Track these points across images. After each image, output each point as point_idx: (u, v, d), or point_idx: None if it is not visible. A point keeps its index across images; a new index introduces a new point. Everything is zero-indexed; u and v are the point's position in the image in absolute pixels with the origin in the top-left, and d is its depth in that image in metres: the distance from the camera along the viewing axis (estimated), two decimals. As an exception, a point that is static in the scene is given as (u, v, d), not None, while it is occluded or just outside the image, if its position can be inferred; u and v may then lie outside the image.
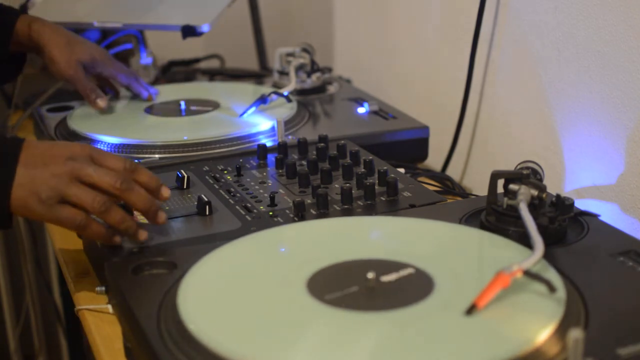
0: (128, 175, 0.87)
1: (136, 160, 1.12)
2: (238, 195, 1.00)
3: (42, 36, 1.23)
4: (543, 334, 0.65)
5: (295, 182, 1.03)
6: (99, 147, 1.16)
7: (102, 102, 1.27)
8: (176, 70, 1.67)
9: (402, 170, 1.09)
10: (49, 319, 1.99)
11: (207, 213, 0.94)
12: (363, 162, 1.06)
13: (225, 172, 1.07)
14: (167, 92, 1.40)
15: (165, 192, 0.90)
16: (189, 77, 1.64)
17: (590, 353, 0.63)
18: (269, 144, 1.14)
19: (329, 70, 1.55)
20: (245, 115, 1.25)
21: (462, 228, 0.88)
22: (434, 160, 1.36)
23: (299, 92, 1.40)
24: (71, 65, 1.24)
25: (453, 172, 1.38)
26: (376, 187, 0.99)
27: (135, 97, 1.36)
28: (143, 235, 0.87)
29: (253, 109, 1.25)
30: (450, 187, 1.20)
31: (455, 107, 1.32)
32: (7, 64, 1.28)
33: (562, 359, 0.64)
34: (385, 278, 0.74)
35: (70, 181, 0.83)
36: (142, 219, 0.91)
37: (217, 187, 1.02)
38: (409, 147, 1.24)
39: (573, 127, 1.11)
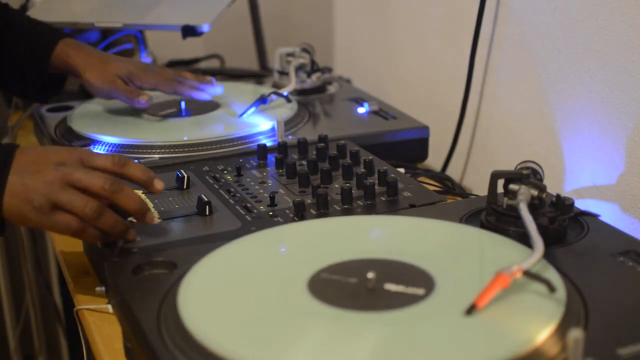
0: (118, 170, 0.87)
1: (136, 160, 1.11)
2: (238, 195, 1.00)
3: (77, 61, 1.24)
4: (543, 334, 0.65)
5: (295, 182, 1.03)
6: (99, 147, 1.16)
7: (144, 98, 1.24)
8: (176, 70, 1.67)
9: (402, 170, 1.09)
10: (49, 319, 1.98)
11: (207, 213, 0.94)
12: (363, 162, 1.06)
13: (225, 172, 1.07)
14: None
15: (159, 184, 0.90)
16: (189, 77, 1.64)
17: (590, 353, 0.63)
18: (269, 144, 1.14)
19: (329, 70, 1.55)
20: (245, 115, 1.25)
21: (463, 227, 0.88)
22: (434, 160, 1.36)
23: (299, 92, 1.40)
24: (108, 80, 1.23)
25: (453, 172, 1.38)
26: (376, 187, 0.99)
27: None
28: (132, 235, 0.88)
29: (253, 109, 1.25)
30: (450, 187, 1.20)
31: (455, 107, 1.32)
32: (47, 85, 1.29)
33: (562, 359, 0.64)
34: (392, 287, 0.74)
35: (61, 187, 0.83)
36: None
37: (217, 187, 1.02)
38: (409, 147, 1.24)
39: (573, 127, 1.11)
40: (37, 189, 0.82)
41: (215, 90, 1.31)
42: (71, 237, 0.86)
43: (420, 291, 0.72)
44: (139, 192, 0.91)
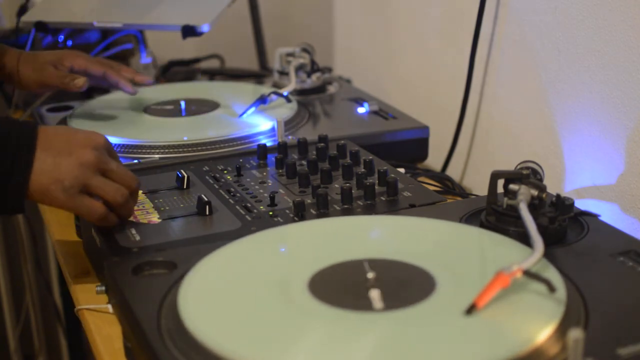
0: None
1: (136, 161, 1.12)
2: (238, 195, 1.00)
3: (11, 61, 1.22)
4: (543, 334, 0.65)
5: (295, 182, 1.03)
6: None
7: (79, 81, 1.20)
8: (176, 70, 1.67)
9: (402, 170, 1.09)
10: (49, 319, 1.99)
11: (207, 213, 0.94)
12: (363, 162, 1.06)
13: (225, 172, 1.07)
14: (167, 92, 1.40)
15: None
16: (189, 77, 1.64)
17: (590, 353, 0.63)
18: (269, 144, 1.14)
19: (329, 70, 1.55)
20: (245, 115, 1.25)
21: (463, 227, 0.88)
22: (434, 160, 1.36)
23: (299, 92, 1.40)
24: (38, 68, 1.21)
25: (453, 172, 1.38)
26: (376, 187, 0.99)
27: (136, 96, 1.34)
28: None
29: (253, 109, 1.25)
30: (450, 187, 1.20)
31: (455, 107, 1.32)
32: None
33: (562, 359, 0.64)
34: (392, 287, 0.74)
35: (94, 172, 0.85)
36: (140, 218, 0.91)
37: (217, 187, 1.02)
38: (409, 147, 1.24)
39: (573, 127, 1.11)
40: (71, 170, 0.83)
41: (143, 85, 1.28)
42: (91, 221, 0.87)
43: (421, 291, 0.72)
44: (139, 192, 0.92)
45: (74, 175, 0.83)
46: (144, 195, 0.99)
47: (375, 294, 0.71)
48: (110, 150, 0.89)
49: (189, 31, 1.36)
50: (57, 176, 0.82)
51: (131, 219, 0.91)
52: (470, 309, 0.68)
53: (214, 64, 1.79)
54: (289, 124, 1.23)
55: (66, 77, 1.21)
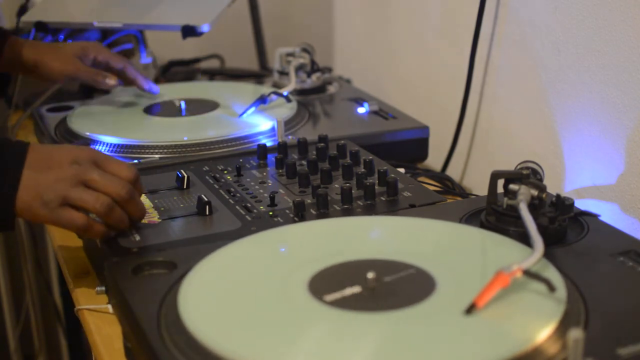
0: (131, 181, 0.88)
1: (135, 161, 1.12)
2: (238, 195, 1.00)
3: (29, 53, 1.24)
4: (543, 334, 0.65)
5: (295, 182, 1.03)
6: (99, 147, 1.16)
7: (111, 80, 1.26)
8: (176, 70, 1.67)
9: (402, 170, 1.09)
10: (49, 319, 1.98)
11: (207, 213, 0.94)
12: (363, 162, 1.06)
13: (225, 172, 1.07)
14: (167, 92, 1.40)
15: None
16: (189, 77, 1.64)
17: (590, 353, 0.63)
18: (269, 144, 1.14)
19: (329, 70, 1.55)
20: (245, 115, 1.25)
21: (463, 227, 0.88)
22: (434, 160, 1.36)
23: (299, 92, 1.40)
24: (67, 62, 1.24)
25: (453, 172, 1.38)
26: (376, 187, 0.99)
27: (136, 96, 1.36)
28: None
29: (253, 109, 1.25)
30: (450, 187, 1.20)
31: (455, 107, 1.32)
32: None
33: (562, 358, 0.64)
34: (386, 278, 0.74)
35: (74, 185, 0.84)
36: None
37: (217, 187, 1.02)
38: (409, 147, 1.24)
39: (573, 127, 1.11)
40: (49, 185, 0.83)
41: (154, 87, 1.34)
42: (76, 233, 0.87)
43: (422, 291, 0.72)
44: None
45: (52, 189, 0.83)
46: (144, 195, 0.99)
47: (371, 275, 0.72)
48: (95, 160, 0.87)
49: (189, 31, 1.36)
50: (37, 192, 0.83)
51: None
52: (470, 309, 0.68)
53: (214, 64, 1.79)
54: (289, 124, 1.23)
55: (99, 74, 1.25)
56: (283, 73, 1.48)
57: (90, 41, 1.30)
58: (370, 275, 0.73)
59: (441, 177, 1.23)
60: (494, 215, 0.87)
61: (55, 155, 0.86)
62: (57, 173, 0.84)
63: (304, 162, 1.08)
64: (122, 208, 0.87)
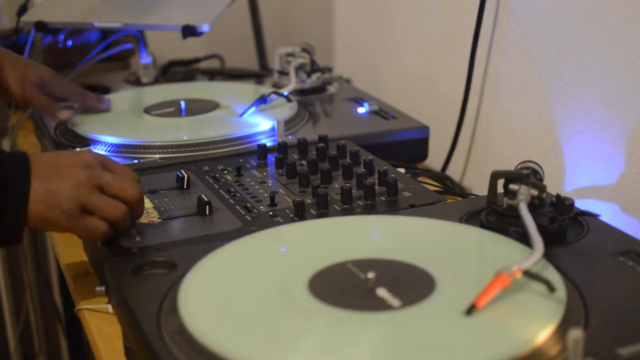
0: (136, 181, 0.89)
1: (136, 161, 1.12)
2: (238, 195, 1.00)
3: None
4: (543, 334, 0.65)
5: (295, 182, 1.03)
6: (98, 148, 1.16)
7: (64, 114, 1.23)
8: (176, 70, 1.67)
9: (402, 170, 1.09)
10: (49, 319, 1.98)
11: (207, 213, 0.94)
12: (363, 162, 1.06)
13: (225, 172, 1.07)
14: (167, 92, 1.40)
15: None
16: (189, 77, 1.64)
17: (590, 353, 0.63)
18: (269, 144, 1.14)
19: (329, 70, 1.55)
20: (245, 115, 1.25)
21: (463, 227, 0.88)
22: (434, 160, 1.36)
23: (299, 92, 1.40)
24: (27, 89, 1.21)
25: (453, 172, 1.38)
26: (376, 187, 0.99)
27: (136, 96, 1.36)
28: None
29: (253, 109, 1.25)
30: (450, 187, 1.20)
31: (455, 107, 1.32)
32: None
33: (562, 359, 0.64)
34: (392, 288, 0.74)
35: (90, 190, 0.84)
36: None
37: (217, 187, 1.02)
38: (409, 147, 1.24)
39: (573, 127, 1.11)
40: (66, 193, 0.82)
41: (106, 101, 1.32)
42: (94, 239, 0.86)
43: (422, 291, 0.72)
44: None
45: (69, 197, 0.82)
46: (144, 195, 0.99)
47: (383, 293, 0.72)
48: (103, 162, 0.87)
49: (189, 31, 1.36)
50: (53, 202, 0.81)
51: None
52: (470, 309, 0.68)
53: (214, 64, 1.79)
54: (289, 124, 1.23)
55: (52, 107, 1.23)
56: (283, 73, 1.48)
57: (48, 71, 1.27)
58: (370, 275, 0.73)
59: (441, 177, 1.23)
60: (494, 215, 0.87)
61: (61, 162, 0.84)
62: (72, 180, 0.83)
63: (304, 162, 1.08)
64: (130, 208, 0.87)
